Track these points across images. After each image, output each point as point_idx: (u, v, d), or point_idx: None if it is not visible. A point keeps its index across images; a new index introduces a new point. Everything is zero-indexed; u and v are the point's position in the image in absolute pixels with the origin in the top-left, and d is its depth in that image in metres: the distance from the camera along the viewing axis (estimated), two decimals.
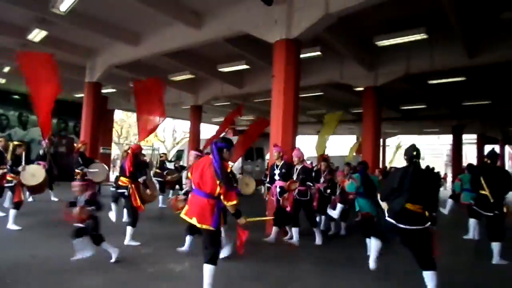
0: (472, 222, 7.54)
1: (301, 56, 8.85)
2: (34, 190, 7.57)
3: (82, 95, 15.32)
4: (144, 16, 10.08)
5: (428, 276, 4.18)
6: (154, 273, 4.91)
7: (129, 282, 4.56)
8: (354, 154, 17.66)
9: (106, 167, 10.96)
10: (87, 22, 10.49)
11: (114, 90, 17.78)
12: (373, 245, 4.74)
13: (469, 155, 33.98)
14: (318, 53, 10.46)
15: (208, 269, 3.91)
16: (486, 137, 26.97)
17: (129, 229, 6.34)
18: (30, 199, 10.60)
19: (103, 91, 16.30)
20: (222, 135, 12.05)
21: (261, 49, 11.13)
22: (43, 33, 10.85)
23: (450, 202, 9.36)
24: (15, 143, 7.73)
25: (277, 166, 7.15)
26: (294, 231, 6.97)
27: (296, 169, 6.97)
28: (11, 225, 7.11)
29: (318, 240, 7.08)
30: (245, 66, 12.69)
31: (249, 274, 5.03)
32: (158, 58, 12.72)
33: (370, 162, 11.35)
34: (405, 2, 8.43)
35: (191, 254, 5.48)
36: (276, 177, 7.08)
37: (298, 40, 8.28)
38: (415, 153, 4.39)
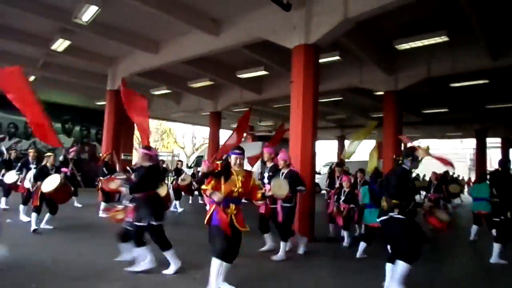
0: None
1: (320, 61, 8.82)
2: (56, 199, 7.66)
3: (104, 102, 15.68)
4: (163, 24, 10.25)
5: (396, 266, 4.11)
6: (173, 278, 4.93)
7: None
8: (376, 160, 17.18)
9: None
10: (109, 31, 10.75)
11: None
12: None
13: (494, 159, 33.06)
14: (337, 57, 10.42)
15: (212, 263, 4.22)
16: (510, 140, 26.20)
17: None
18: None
19: None
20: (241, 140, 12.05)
21: (279, 55, 11.16)
22: (67, 43, 11.16)
23: (474, 228, 8.56)
24: (48, 154, 8.00)
25: (266, 169, 6.75)
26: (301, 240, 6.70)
27: (282, 173, 6.27)
28: (44, 225, 7.69)
29: (281, 255, 6.17)
30: (264, 72, 12.75)
31: (267, 277, 5.02)
32: (177, 65, 12.88)
33: (391, 167, 11.20)
34: (425, 5, 8.30)
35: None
36: (265, 180, 6.54)
37: (317, 45, 8.25)
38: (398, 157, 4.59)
